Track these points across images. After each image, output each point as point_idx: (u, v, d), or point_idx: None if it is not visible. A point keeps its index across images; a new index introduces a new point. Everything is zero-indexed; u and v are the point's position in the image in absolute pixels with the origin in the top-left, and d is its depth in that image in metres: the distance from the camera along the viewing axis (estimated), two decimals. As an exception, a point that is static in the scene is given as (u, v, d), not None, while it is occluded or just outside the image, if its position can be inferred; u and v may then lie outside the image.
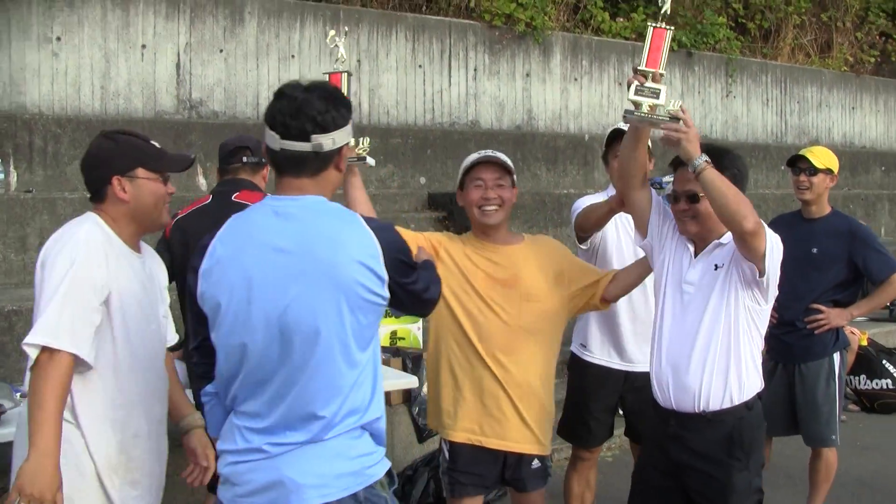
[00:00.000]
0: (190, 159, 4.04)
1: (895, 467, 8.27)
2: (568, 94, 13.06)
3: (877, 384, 10.16)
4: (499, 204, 4.66)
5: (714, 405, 4.35)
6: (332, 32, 4.45)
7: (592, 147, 12.88)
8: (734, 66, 14.89)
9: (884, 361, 10.22)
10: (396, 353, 7.34)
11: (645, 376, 5.55)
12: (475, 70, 12.07)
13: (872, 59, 17.76)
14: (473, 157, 4.74)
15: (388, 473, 3.43)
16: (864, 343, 10.33)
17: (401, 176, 11.07)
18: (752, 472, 4.44)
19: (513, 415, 4.66)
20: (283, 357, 3.20)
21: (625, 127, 5.54)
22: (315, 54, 10.74)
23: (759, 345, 4.46)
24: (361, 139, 4.40)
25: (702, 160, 4.08)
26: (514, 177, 4.77)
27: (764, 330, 4.48)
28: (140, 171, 3.82)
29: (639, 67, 4.25)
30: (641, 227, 4.64)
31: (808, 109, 16.60)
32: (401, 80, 11.45)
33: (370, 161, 4.51)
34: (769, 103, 15.81)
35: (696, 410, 4.37)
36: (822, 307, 6.34)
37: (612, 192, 5.71)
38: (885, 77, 18.25)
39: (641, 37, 13.74)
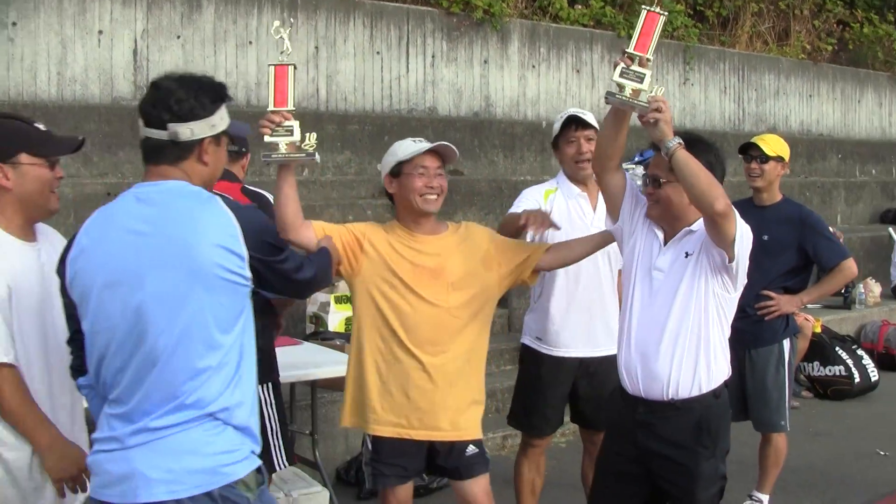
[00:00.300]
0: (78, 141, 3.95)
1: (846, 453, 8.41)
2: (526, 81, 13.06)
3: (830, 371, 10.30)
4: (439, 192, 4.65)
5: (683, 393, 4.38)
6: (277, 23, 4.38)
7: (550, 134, 12.76)
8: (692, 53, 14.94)
9: (837, 348, 10.36)
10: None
11: (599, 361, 5.70)
12: (433, 57, 12.07)
13: (830, 47, 17.82)
14: (419, 146, 4.67)
15: (259, 470, 3.38)
16: (818, 330, 10.47)
17: (358, 162, 11.05)
18: (719, 458, 4.49)
19: (441, 404, 4.63)
20: (139, 341, 3.18)
21: (580, 113, 5.68)
22: (273, 41, 10.56)
23: (727, 332, 4.51)
24: (308, 135, 4.38)
25: (674, 142, 4.10)
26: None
27: (731, 318, 4.51)
28: (23, 157, 3.77)
29: (627, 50, 4.26)
30: (613, 211, 4.67)
31: (766, 97, 16.67)
32: (358, 67, 11.42)
33: (316, 158, 4.47)
34: (727, 91, 15.88)
35: (665, 398, 4.40)
36: (773, 294, 6.42)
37: (562, 179, 5.80)
38: (843, 65, 18.33)
39: (600, 24, 13.93)
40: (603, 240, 4.97)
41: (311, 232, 4.45)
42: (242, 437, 3.32)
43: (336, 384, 7.15)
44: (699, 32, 15.29)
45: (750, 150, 6.57)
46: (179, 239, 3.19)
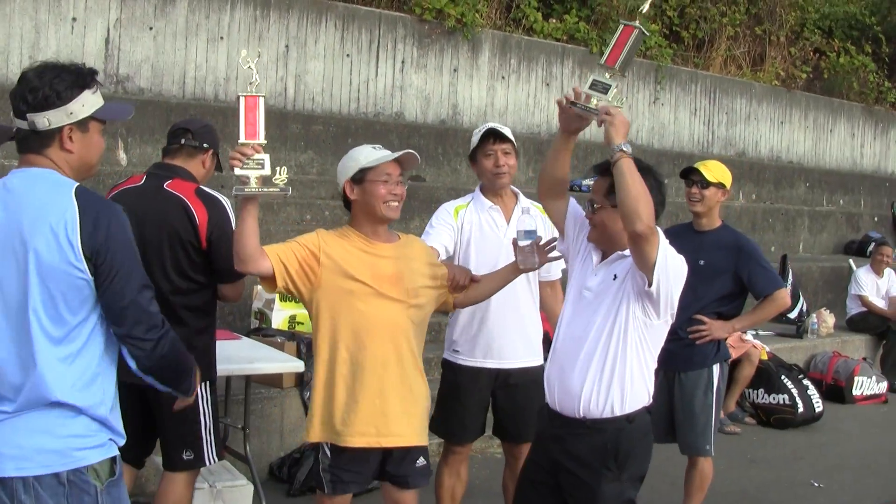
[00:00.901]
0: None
1: (781, 482, 8.44)
2: (494, 91, 13.13)
3: (774, 399, 10.36)
4: (400, 200, 4.67)
5: (594, 413, 4.40)
6: (244, 53, 4.27)
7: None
8: (664, 73, 15.03)
9: (782, 377, 10.42)
10: (292, 338, 7.43)
11: (520, 373, 5.80)
12: (403, 62, 12.12)
13: (804, 75, 17.94)
14: (383, 153, 4.69)
15: (113, 462, 3.42)
16: (765, 357, 10.54)
17: (320, 163, 11.08)
18: (625, 482, 4.47)
19: (405, 410, 4.69)
20: None
21: (499, 127, 5.80)
22: (244, 37, 10.76)
23: (651, 360, 4.50)
24: (279, 168, 4.26)
25: (620, 147, 4.13)
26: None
27: (659, 345, 4.53)
28: None
29: (599, 62, 4.35)
30: (561, 233, 4.79)
31: (737, 121, 16.77)
32: (328, 69, 11.47)
33: (288, 192, 4.37)
34: (697, 113, 15.97)
35: (577, 416, 4.44)
36: (705, 318, 6.45)
37: (477, 193, 5.92)
38: (817, 94, 18.46)
39: (573, 39, 14.00)
40: (510, 273, 5.07)
41: (267, 262, 4.44)
42: (100, 426, 3.37)
43: (272, 380, 7.24)
44: (673, 53, 15.38)
45: (691, 175, 6.63)
46: (25, 226, 3.26)
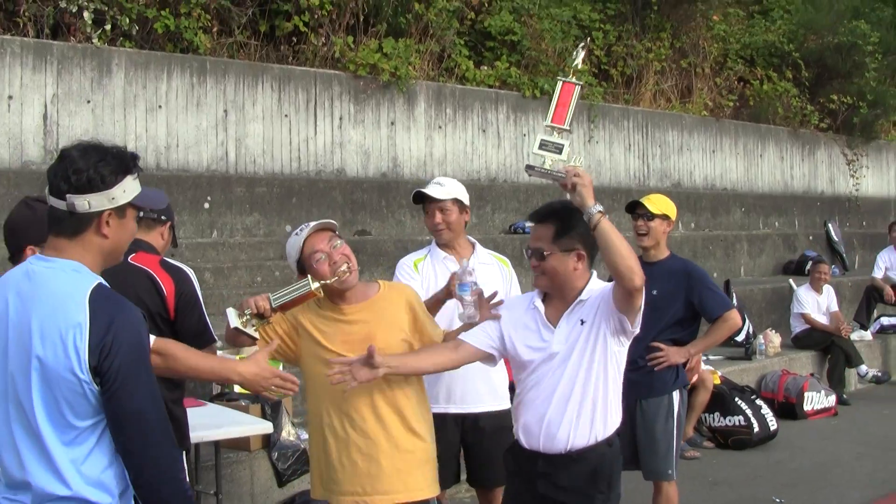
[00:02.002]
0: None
1: (744, 500, 8.62)
2: (432, 141, 13.31)
3: (730, 421, 10.53)
4: (347, 262, 4.65)
5: (579, 445, 4.56)
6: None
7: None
8: (596, 111, 15.29)
9: (736, 399, 10.59)
10: (255, 400, 7.46)
11: (487, 416, 5.93)
12: (340, 119, 12.27)
13: (731, 104, 18.35)
14: (300, 236, 4.71)
15: None
16: (718, 381, 10.72)
17: (266, 224, 11.18)
18: (613, 501, 4.67)
19: (393, 468, 4.70)
20: (3, 417, 3.27)
21: (429, 188, 5.95)
22: (182, 105, 10.86)
23: (620, 382, 4.69)
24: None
25: (595, 210, 4.17)
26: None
27: (624, 366, 4.70)
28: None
29: (545, 123, 4.40)
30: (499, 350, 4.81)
31: (670, 153, 17.05)
32: (267, 130, 11.58)
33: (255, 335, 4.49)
34: (632, 148, 16.23)
35: (564, 452, 4.57)
36: (661, 345, 6.61)
37: (433, 245, 6.13)
38: (744, 121, 18.84)
39: (505, 84, 14.22)
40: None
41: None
42: None
43: (240, 444, 7.26)
44: (603, 91, 15.65)
45: (636, 209, 6.82)
46: (36, 325, 3.19)
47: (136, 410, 3.24)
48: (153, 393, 3.30)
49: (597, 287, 4.61)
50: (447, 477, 5.95)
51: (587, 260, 4.57)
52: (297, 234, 4.75)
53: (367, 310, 4.77)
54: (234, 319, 4.42)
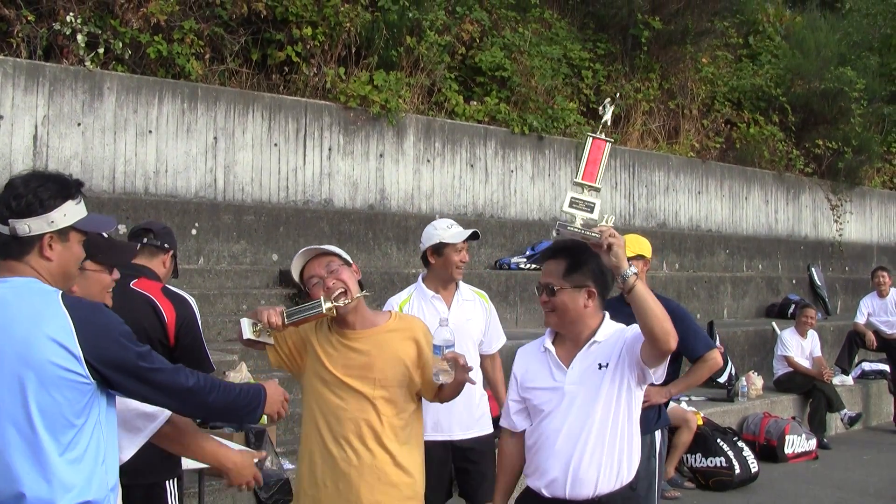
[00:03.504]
0: (135, 249, 4.18)
1: (721, 540, 8.63)
2: (420, 174, 13.34)
3: (711, 462, 10.55)
4: (341, 288, 4.64)
5: (605, 490, 4.52)
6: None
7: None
8: (582, 150, 15.25)
9: (718, 440, 10.61)
10: (239, 428, 7.45)
11: (474, 441, 6.18)
12: (329, 150, 12.29)
13: (718, 146, 18.49)
14: (297, 261, 4.77)
15: None
16: (700, 422, 10.73)
17: (253, 252, 11.18)
18: None
19: (372, 500, 4.67)
20: None
21: (449, 239, 6.16)
22: (172, 130, 10.87)
23: (639, 423, 4.68)
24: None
25: (631, 272, 4.15)
26: (341, 255, 4.79)
27: (641, 407, 4.71)
28: (88, 264, 3.95)
29: (575, 179, 4.30)
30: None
31: (656, 193, 17.11)
32: (256, 158, 11.60)
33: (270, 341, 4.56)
34: (618, 187, 16.24)
35: (590, 497, 4.52)
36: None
37: (418, 285, 6.37)
38: (730, 163, 18.93)
39: (494, 120, 14.27)
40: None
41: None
42: None
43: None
44: (591, 129, 15.65)
45: (610, 253, 6.82)
46: (19, 336, 3.28)
47: (157, 387, 3.48)
48: (154, 362, 3.49)
49: (612, 329, 4.58)
50: (440, 499, 6.17)
51: (598, 298, 4.54)
52: (300, 254, 4.79)
53: (372, 338, 4.75)
54: (247, 331, 4.45)
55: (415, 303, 6.28)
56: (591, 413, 4.48)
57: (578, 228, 4.23)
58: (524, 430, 4.77)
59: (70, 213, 3.49)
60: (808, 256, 19.95)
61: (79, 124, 10.24)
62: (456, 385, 4.72)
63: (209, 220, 10.84)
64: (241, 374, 7.90)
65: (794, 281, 18.55)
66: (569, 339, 4.64)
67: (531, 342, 4.91)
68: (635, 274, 4.17)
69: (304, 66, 12.40)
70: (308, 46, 12.31)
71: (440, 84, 14.10)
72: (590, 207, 4.25)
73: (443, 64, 14.00)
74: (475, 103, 14.54)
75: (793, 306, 15.45)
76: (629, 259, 6.53)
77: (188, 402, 3.64)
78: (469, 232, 6.30)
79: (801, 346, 13.50)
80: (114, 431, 3.52)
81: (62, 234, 3.48)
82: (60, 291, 3.41)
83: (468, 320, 6.27)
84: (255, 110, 11.62)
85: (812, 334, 13.64)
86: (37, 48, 10.35)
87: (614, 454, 4.51)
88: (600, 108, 4.47)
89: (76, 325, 3.31)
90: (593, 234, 4.19)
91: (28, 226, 3.40)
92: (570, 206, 4.25)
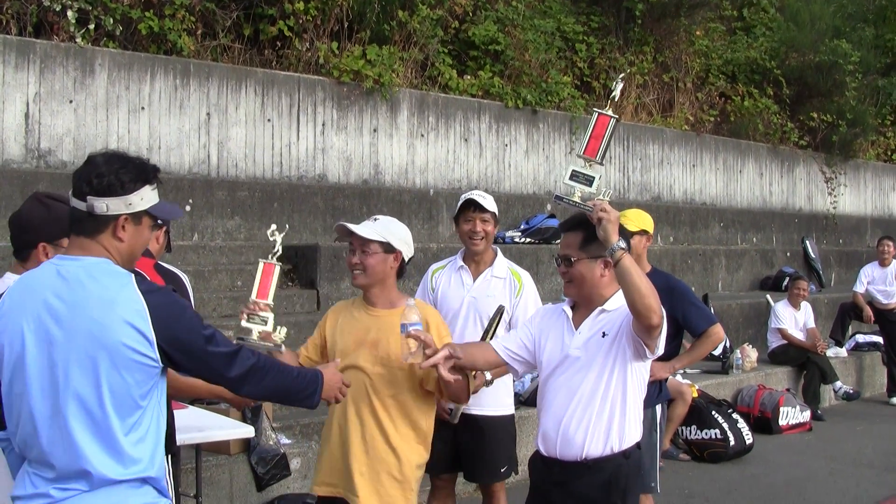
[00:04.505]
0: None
1: (717, 513, 8.66)
2: (414, 149, 13.32)
3: (706, 434, 10.60)
4: (361, 269, 4.90)
5: (594, 454, 4.62)
6: (273, 227, 4.72)
7: (437, 202, 13.19)
8: (577, 123, 15.31)
9: (713, 412, 10.66)
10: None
11: (486, 420, 6.26)
12: (323, 125, 12.26)
13: (712, 119, 18.43)
14: (355, 226, 4.96)
15: None
16: (695, 395, 10.76)
17: (247, 228, 11.17)
18: None
19: (357, 471, 4.89)
20: (52, 412, 3.36)
21: (477, 197, 6.25)
22: (165, 106, 10.83)
23: (642, 397, 4.76)
24: (279, 328, 4.56)
25: (618, 246, 4.26)
26: (386, 242, 4.93)
27: (647, 377, 4.81)
28: (65, 242, 3.94)
29: (577, 153, 4.41)
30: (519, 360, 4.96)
31: (650, 167, 17.10)
32: (249, 134, 11.58)
33: (282, 349, 4.63)
34: (612, 160, 16.20)
35: (580, 459, 4.64)
36: (644, 360, 6.65)
37: (457, 257, 6.47)
38: (724, 136, 18.91)
39: (488, 94, 14.24)
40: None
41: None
42: (158, 493, 3.54)
43: (219, 448, 7.25)
44: (585, 103, 15.68)
45: (614, 227, 6.82)
46: (95, 318, 3.34)
47: (218, 368, 3.61)
48: (219, 345, 3.60)
49: (622, 301, 4.62)
50: (441, 461, 6.16)
51: (613, 268, 4.58)
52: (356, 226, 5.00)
53: (385, 318, 4.98)
54: (255, 340, 4.55)
55: (446, 270, 6.50)
56: (586, 378, 4.62)
57: (575, 201, 4.37)
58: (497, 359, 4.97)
59: (146, 197, 3.57)
60: (802, 229, 19.96)
61: (71, 101, 10.20)
62: (459, 386, 4.89)
63: (203, 197, 10.82)
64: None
65: (788, 254, 18.54)
66: (583, 307, 4.79)
67: (554, 304, 5.07)
68: (623, 248, 4.27)
69: (297, 40, 12.35)
70: (300, 21, 12.24)
71: (433, 58, 14.04)
72: (589, 181, 4.37)
73: (436, 38, 13.94)
74: (469, 77, 14.49)
75: (787, 279, 15.45)
76: (633, 234, 6.67)
77: (246, 383, 3.72)
78: (463, 200, 6.34)
79: (794, 319, 13.55)
80: (165, 411, 3.60)
81: (136, 217, 3.55)
82: (132, 274, 3.49)
83: (488, 297, 6.30)
84: (247, 86, 11.58)
85: (805, 306, 13.68)
86: (27, 25, 10.28)
87: (603, 420, 4.62)
88: (612, 84, 4.53)
89: (150, 310, 3.39)
90: (588, 208, 4.31)
91: (107, 205, 3.46)
92: (571, 178, 4.40)
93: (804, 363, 13.40)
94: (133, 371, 3.37)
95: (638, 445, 4.78)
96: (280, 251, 4.63)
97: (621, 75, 4.63)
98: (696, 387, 11.01)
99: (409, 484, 4.99)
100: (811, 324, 13.67)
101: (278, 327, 4.55)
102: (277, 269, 4.58)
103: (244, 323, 4.50)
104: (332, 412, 5.02)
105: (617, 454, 4.65)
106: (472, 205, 6.27)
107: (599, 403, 4.60)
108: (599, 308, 4.69)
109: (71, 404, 3.34)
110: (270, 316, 4.52)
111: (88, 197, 3.44)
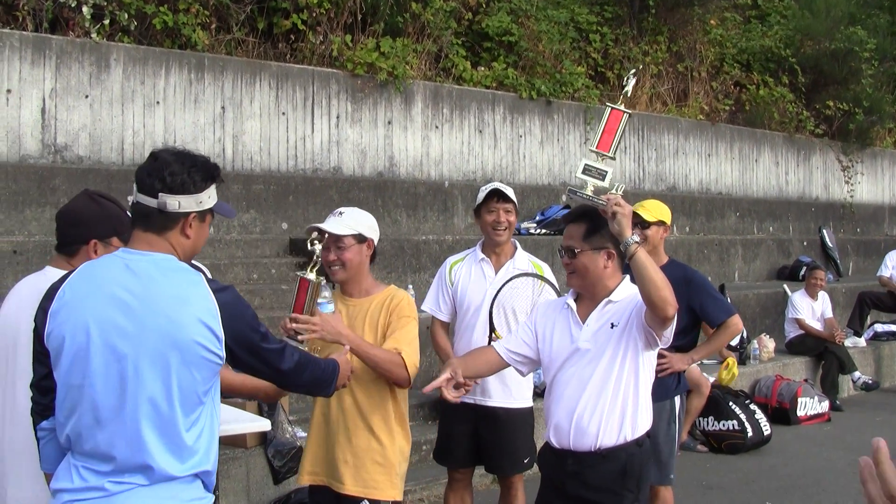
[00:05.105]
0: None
1: None
2: (429, 141, 13.31)
3: (724, 425, 10.56)
4: (340, 264, 4.97)
5: (607, 444, 4.64)
6: (314, 235, 4.65)
7: (452, 194, 13.18)
8: (592, 113, 15.28)
9: (730, 403, 10.61)
10: (252, 398, 7.46)
11: (502, 412, 6.33)
12: (338, 117, 12.27)
13: (727, 108, 18.34)
14: (323, 226, 4.94)
15: None
16: (731, 378, 10.76)
17: (262, 221, 11.18)
18: (642, 501, 4.78)
19: (341, 459, 4.97)
20: (118, 405, 3.36)
21: (501, 187, 6.30)
22: (180, 101, 10.85)
23: (650, 385, 4.78)
24: (617, 185, 4.42)
25: (632, 240, 4.29)
26: (358, 234, 4.99)
27: (655, 365, 4.84)
28: (115, 240, 4.07)
29: (590, 148, 4.44)
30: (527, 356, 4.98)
31: (666, 157, 17.06)
32: (264, 127, 11.59)
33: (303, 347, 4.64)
34: (627, 150, 16.20)
35: (593, 449, 4.66)
36: (665, 352, 6.53)
37: (476, 250, 6.52)
38: (740, 125, 18.86)
39: (502, 86, 14.22)
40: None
41: None
42: (206, 489, 3.57)
43: (236, 441, 7.26)
44: (599, 93, 15.64)
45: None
46: (167, 315, 3.38)
47: (270, 363, 3.71)
48: (271, 342, 3.69)
49: (629, 291, 4.69)
50: (460, 456, 6.47)
51: (617, 259, 4.67)
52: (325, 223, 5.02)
53: (359, 307, 5.09)
54: (588, 194, 4.42)
55: (466, 263, 6.53)
56: (598, 369, 4.63)
57: (588, 195, 4.38)
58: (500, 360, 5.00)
59: (212, 196, 3.65)
60: (819, 218, 19.90)
61: (86, 96, 10.23)
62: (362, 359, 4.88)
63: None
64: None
65: (805, 243, 18.49)
66: (588, 298, 4.79)
67: (555, 299, 5.15)
68: (637, 242, 4.31)
69: (311, 34, 12.34)
70: (314, 14, 12.24)
71: (447, 50, 14.04)
72: (602, 176, 4.39)
73: (449, 30, 13.93)
74: (483, 69, 14.48)
75: (804, 268, 15.40)
76: (650, 224, 6.64)
77: (290, 378, 3.85)
78: (487, 190, 6.39)
79: (811, 308, 13.49)
80: (219, 407, 3.66)
81: (202, 215, 3.61)
82: (202, 276, 3.52)
83: (513, 289, 6.32)
84: (262, 79, 11.59)
85: (822, 296, 13.62)
86: (42, 21, 10.31)
87: (616, 409, 4.64)
88: (624, 79, 4.54)
89: (220, 309, 3.45)
90: (601, 202, 4.32)
91: (179, 202, 3.50)
92: (584, 172, 4.42)
93: (822, 353, 13.35)
94: (201, 368, 3.43)
95: (648, 434, 4.79)
96: (319, 262, 4.57)
97: (632, 70, 4.61)
98: (712, 379, 10.95)
99: (394, 469, 5.05)
100: (829, 313, 13.62)
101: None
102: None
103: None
104: (316, 401, 5.08)
105: (630, 443, 4.67)
106: (497, 195, 6.31)
107: (612, 393, 4.62)
108: (606, 299, 4.70)
109: (140, 398, 3.37)
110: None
111: (161, 194, 3.47)
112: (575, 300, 4.85)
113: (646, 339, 4.56)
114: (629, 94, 4.53)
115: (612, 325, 4.63)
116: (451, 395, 4.80)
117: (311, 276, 4.55)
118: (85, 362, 3.38)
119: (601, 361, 4.62)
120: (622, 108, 4.45)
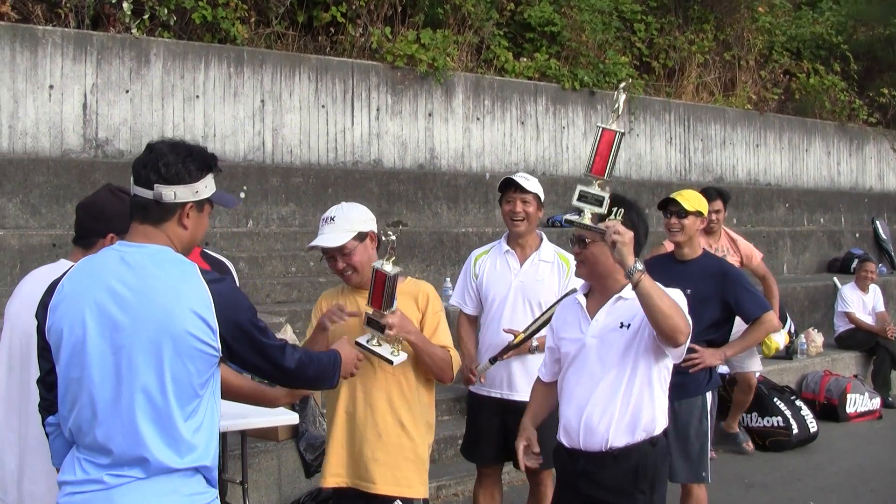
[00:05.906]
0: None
1: (779, 503, 8.46)
2: (470, 133, 13.24)
3: (768, 422, 10.35)
4: (351, 270, 4.83)
5: (619, 443, 4.57)
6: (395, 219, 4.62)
7: (494, 186, 12.90)
8: (636, 104, 15.12)
9: (775, 399, 10.39)
10: (283, 390, 7.47)
11: (524, 406, 5.99)
12: (378, 110, 12.23)
13: (776, 97, 18.10)
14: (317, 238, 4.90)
15: None
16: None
17: (302, 214, 11.17)
18: (657, 502, 4.68)
19: (371, 457, 4.84)
20: (114, 398, 3.35)
21: (518, 177, 6.29)
22: (220, 95, 10.86)
23: (667, 384, 4.69)
24: (616, 210, 4.35)
25: (636, 268, 4.18)
26: (357, 233, 4.86)
27: (671, 369, 4.71)
28: None
29: (584, 173, 4.32)
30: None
31: (712, 147, 16.87)
32: (304, 120, 11.58)
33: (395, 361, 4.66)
34: (673, 141, 16.06)
35: (604, 449, 4.59)
36: (697, 347, 6.43)
37: (501, 241, 6.50)
38: (789, 115, 18.60)
39: (544, 76, 14.11)
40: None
41: None
42: (207, 483, 3.54)
43: (267, 434, 7.25)
44: (644, 84, 15.49)
45: (669, 206, 6.72)
46: (161, 306, 3.35)
47: (270, 359, 3.64)
48: (270, 338, 3.64)
49: None
50: (489, 452, 6.45)
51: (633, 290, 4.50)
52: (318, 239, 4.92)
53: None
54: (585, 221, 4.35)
55: (491, 256, 6.51)
56: (607, 367, 4.57)
57: (586, 224, 4.29)
58: (553, 381, 4.96)
59: (209, 185, 3.61)
60: (872, 209, 19.56)
61: (127, 91, 10.27)
62: (444, 364, 4.88)
63: (258, 183, 10.84)
64: (286, 336, 7.89)
65: (857, 235, 18.21)
66: (598, 292, 4.73)
67: (569, 297, 5.03)
68: (640, 270, 4.19)
69: (350, 26, 12.32)
70: (354, 6, 12.23)
71: (488, 41, 13.95)
72: (598, 202, 4.26)
73: (491, 20, 13.85)
74: (525, 60, 14.38)
75: (855, 261, 15.14)
76: (689, 213, 6.55)
77: (292, 375, 3.78)
78: (504, 181, 6.36)
79: (862, 302, 13.24)
80: (219, 403, 3.63)
81: (199, 204, 3.59)
82: (197, 267, 3.50)
83: (538, 281, 6.32)
84: (301, 72, 11.56)
85: (874, 289, 13.37)
86: (84, 17, 10.40)
87: (628, 409, 4.56)
88: (614, 94, 4.41)
89: (215, 300, 3.42)
90: (600, 230, 4.24)
91: (175, 192, 3.48)
92: (579, 199, 4.27)
93: (873, 348, 13.08)
94: (195, 359, 3.39)
95: (665, 433, 4.71)
96: (621, 110, 4.31)
97: (622, 85, 4.45)
98: (757, 373, 10.75)
99: (423, 464, 4.99)
100: (880, 307, 13.35)
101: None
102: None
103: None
104: (335, 399, 4.94)
105: (642, 442, 4.59)
106: (513, 185, 6.26)
107: (624, 392, 4.54)
108: (617, 295, 4.63)
109: (135, 390, 3.34)
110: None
111: (156, 185, 3.45)
112: (586, 295, 4.79)
113: (656, 353, 4.51)
114: (620, 111, 4.34)
115: (622, 325, 4.56)
116: (531, 463, 4.91)
117: (389, 267, 4.50)
118: (82, 355, 3.37)
119: (611, 359, 4.56)
120: (614, 127, 4.26)
